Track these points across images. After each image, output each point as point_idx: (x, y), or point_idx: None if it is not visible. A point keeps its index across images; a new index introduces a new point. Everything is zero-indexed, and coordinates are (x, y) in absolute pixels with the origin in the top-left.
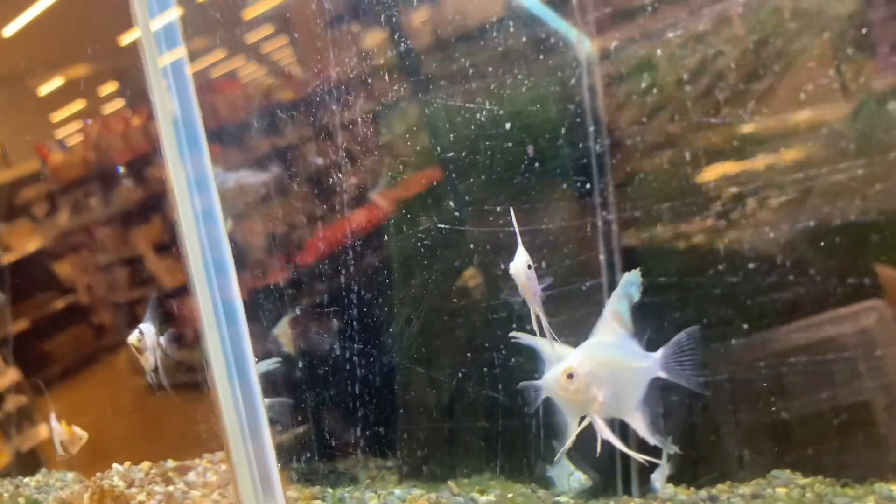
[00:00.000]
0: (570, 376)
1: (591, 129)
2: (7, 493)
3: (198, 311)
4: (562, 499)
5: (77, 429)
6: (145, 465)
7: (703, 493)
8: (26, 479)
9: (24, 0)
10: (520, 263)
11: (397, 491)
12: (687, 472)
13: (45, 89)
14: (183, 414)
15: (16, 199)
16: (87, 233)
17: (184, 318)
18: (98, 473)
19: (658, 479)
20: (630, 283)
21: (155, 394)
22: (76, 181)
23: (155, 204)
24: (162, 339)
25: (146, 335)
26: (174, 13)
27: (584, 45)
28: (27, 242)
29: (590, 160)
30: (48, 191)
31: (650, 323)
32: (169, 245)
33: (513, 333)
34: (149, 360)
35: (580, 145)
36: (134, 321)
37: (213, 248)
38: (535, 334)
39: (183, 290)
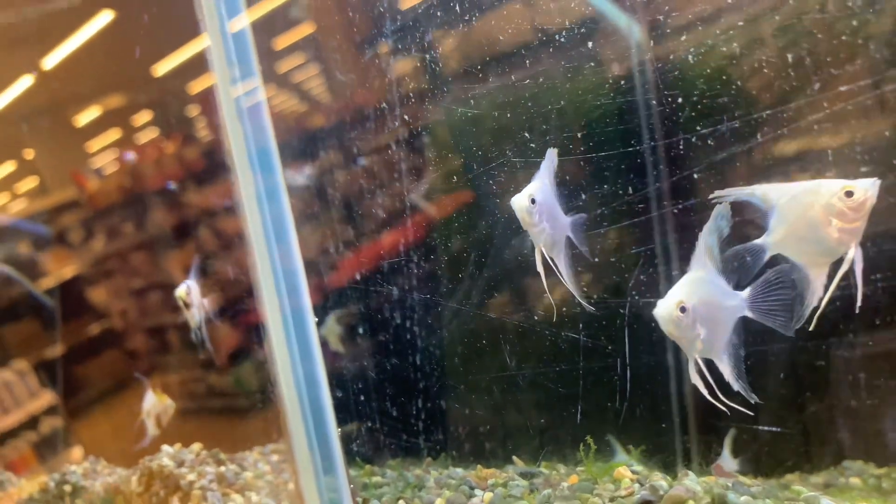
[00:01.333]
0: (683, 309)
1: (645, 115)
2: (53, 482)
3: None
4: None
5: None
6: (196, 446)
7: (773, 481)
8: (73, 467)
9: (63, 34)
10: (521, 198)
11: (458, 470)
12: (754, 463)
13: (82, 119)
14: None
15: (53, 225)
16: (121, 258)
17: (216, 343)
18: (147, 456)
19: (728, 463)
20: (720, 215)
21: (199, 352)
22: (111, 207)
23: (188, 229)
24: (205, 301)
25: (193, 291)
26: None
27: (634, 32)
28: (64, 268)
29: (644, 151)
30: (85, 217)
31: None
32: (202, 269)
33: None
34: (195, 315)
35: (635, 133)
36: (166, 346)
37: (284, 258)
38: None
39: (221, 313)
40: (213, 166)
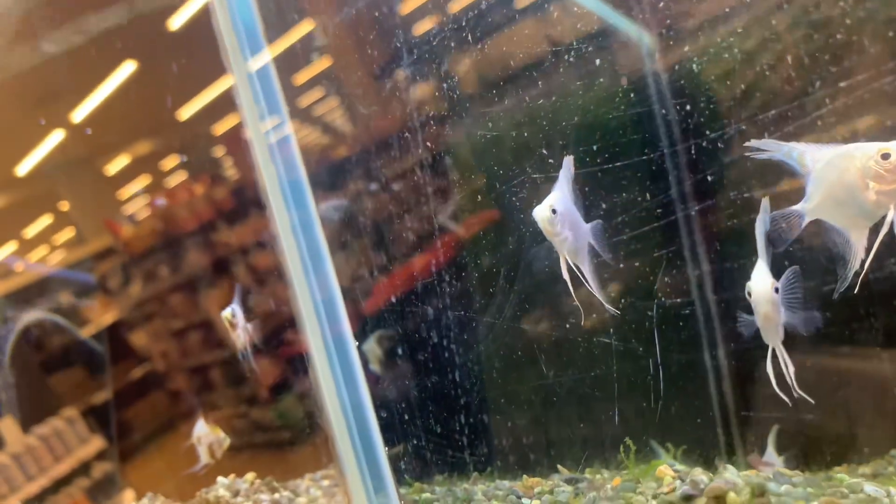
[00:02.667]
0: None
1: (661, 122)
2: None
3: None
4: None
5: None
6: (250, 475)
7: (822, 474)
8: None
9: (89, 87)
10: (542, 208)
11: (505, 482)
12: (799, 458)
13: (112, 168)
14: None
15: (92, 273)
16: (160, 300)
17: (256, 378)
18: (203, 489)
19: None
20: (765, 208)
21: (245, 370)
22: (147, 252)
23: (223, 267)
24: (249, 326)
25: (237, 314)
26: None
27: (645, 41)
28: (105, 314)
29: (662, 155)
30: (121, 263)
31: None
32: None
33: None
34: (240, 337)
35: (652, 140)
36: (209, 384)
37: (322, 287)
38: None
39: (263, 344)
40: (242, 204)
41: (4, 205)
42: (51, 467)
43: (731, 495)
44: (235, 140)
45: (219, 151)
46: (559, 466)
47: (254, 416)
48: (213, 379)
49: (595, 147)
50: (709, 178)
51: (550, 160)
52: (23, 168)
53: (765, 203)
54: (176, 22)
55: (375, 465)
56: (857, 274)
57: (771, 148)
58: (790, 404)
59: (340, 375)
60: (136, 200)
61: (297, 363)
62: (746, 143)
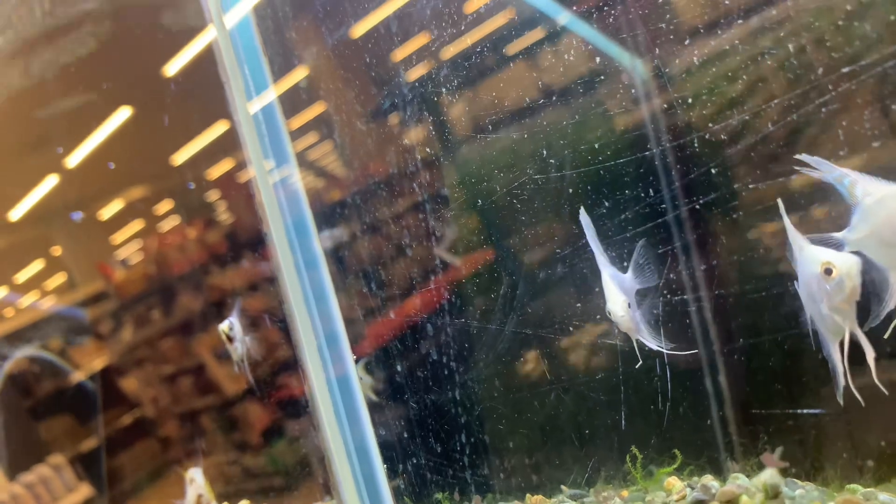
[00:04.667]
0: (829, 272)
1: (657, 149)
2: None
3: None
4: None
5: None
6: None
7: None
8: None
9: (84, 132)
10: (618, 306)
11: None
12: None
13: (106, 213)
14: None
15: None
16: (150, 346)
17: (248, 423)
18: None
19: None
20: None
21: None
22: (139, 296)
23: (212, 312)
24: (247, 338)
25: (235, 327)
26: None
27: (638, 69)
28: (95, 359)
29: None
30: (113, 308)
31: None
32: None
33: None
34: (237, 349)
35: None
36: (198, 429)
37: (325, 323)
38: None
39: (244, 397)
40: (235, 248)
41: None
42: None
43: (744, 499)
44: (229, 184)
45: (212, 196)
46: (563, 487)
47: (245, 463)
48: (204, 425)
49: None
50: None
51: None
52: (16, 213)
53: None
54: (172, 69)
55: (376, 492)
56: (889, 316)
57: (824, 168)
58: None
59: (345, 416)
60: (128, 245)
61: (289, 407)
62: (798, 157)
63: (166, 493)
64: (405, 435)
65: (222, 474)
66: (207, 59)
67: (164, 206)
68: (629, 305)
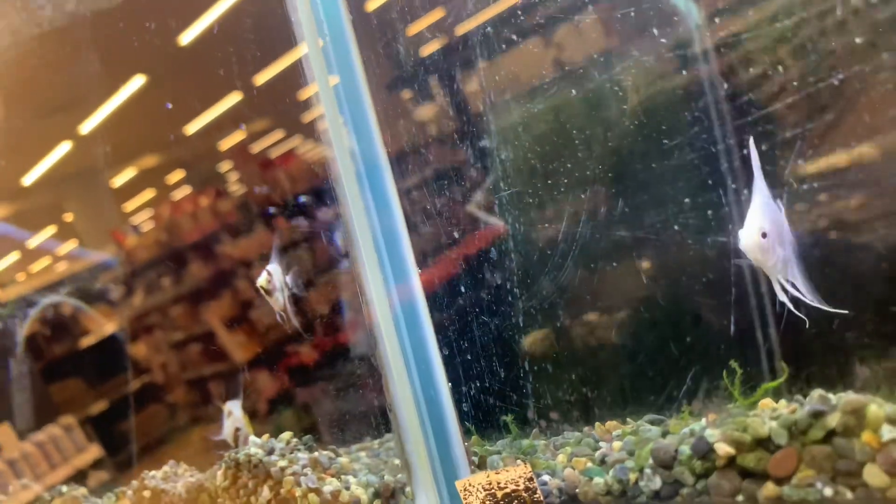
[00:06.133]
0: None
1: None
2: (131, 490)
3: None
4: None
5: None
6: (286, 434)
7: None
8: (152, 473)
9: (98, 100)
10: (749, 235)
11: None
12: None
13: (118, 181)
14: None
15: (94, 284)
16: (160, 312)
17: (256, 389)
18: (231, 450)
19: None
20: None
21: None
22: (149, 263)
23: (224, 280)
24: (288, 279)
25: (274, 275)
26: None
27: (692, 13)
28: (105, 325)
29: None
30: (124, 274)
31: None
32: (239, 320)
33: None
34: (278, 300)
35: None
36: (206, 397)
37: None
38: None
39: (255, 363)
40: (247, 218)
41: (10, 214)
42: (46, 474)
43: (873, 408)
44: (242, 155)
45: (224, 166)
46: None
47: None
48: (211, 392)
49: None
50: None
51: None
52: (29, 178)
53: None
54: (185, 38)
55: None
56: None
57: None
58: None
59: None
60: (140, 213)
61: (298, 376)
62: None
63: (174, 454)
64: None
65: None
66: (223, 28)
67: (176, 175)
68: (764, 235)
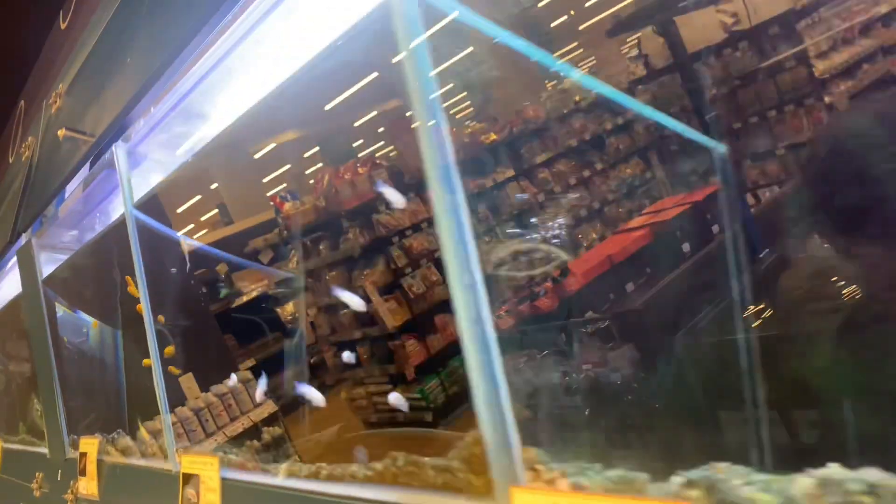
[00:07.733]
0: None
1: None
2: None
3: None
4: None
5: None
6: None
7: None
8: None
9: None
10: None
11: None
12: None
13: (259, 154)
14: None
15: (245, 248)
16: (314, 276)
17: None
18: None
19: None
20: None
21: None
22: (307, 228)
23: (379, 247)
24: None
25: None
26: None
27: None
28: (257, 287)
29: None
30: (279, 239)
31: None
32: (392, 288)
33: None
34: None
35: None
36: (357, 361)
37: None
38: None
39: (406, 330)
40: (400, 188)
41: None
42: (226, 426)
43: None
44: (398, 126)
45: (374, 140)
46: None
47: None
48: (360, 356)
49: None
50: None
51: None
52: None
53: None
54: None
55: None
56: None
57: None
58: None
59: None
60: (278, 185)
61: (448, 347)
62: None
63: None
64: None
65: (372, 404)
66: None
67: (314, 149)
68: None
